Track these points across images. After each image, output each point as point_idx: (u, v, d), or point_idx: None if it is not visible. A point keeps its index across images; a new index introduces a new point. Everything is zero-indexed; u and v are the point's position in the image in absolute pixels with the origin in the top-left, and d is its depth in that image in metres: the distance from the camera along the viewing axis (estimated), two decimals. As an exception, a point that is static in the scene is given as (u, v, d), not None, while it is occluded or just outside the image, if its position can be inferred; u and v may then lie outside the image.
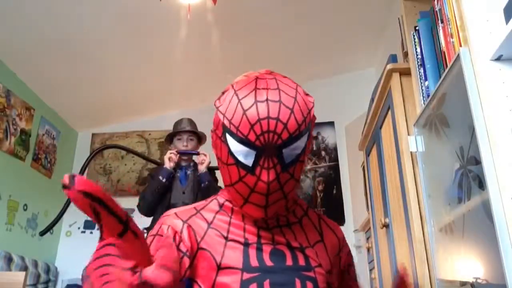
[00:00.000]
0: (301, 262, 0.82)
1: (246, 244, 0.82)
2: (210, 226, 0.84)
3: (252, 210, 0.81)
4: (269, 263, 0.80)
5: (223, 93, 0.83)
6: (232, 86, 0.82)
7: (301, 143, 0.79)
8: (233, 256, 0.80)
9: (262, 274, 0.78)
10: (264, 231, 0.85)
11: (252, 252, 0.81)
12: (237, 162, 0.79)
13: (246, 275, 0.77)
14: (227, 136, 0.79)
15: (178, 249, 0.78)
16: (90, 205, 0.55)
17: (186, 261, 0.79)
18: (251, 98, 0.76)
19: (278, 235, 0.85)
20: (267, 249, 0.82)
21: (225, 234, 0.83)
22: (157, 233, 0.82)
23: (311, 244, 0.88)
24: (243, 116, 0.76)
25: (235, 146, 0.78)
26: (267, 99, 0.75)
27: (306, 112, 0.79)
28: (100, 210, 0.56)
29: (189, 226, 0.83)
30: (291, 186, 0.81)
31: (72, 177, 0.55)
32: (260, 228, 0.85)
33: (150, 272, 0.60)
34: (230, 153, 0.79)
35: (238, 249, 0.81)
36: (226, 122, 0.79)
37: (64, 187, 0.54)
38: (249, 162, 0.77)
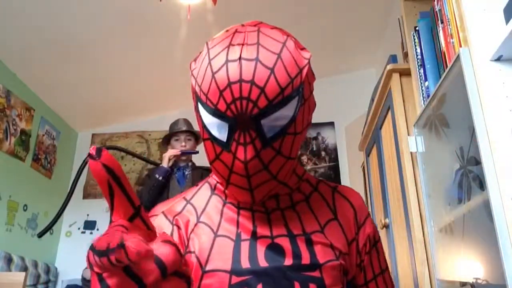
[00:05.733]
0: (305, 259, 0.68)
1: (238, 239, 0.69)
2: (199, 220, 0.73)
3: (237, 193, 0.69)
4: (263, 263, 0.67)
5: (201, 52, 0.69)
6: (207, 44, 0.67)
7: (287, 111, 0.63)
8: (221, 256, 0.68)
9: (254, 277, 0.66)
10: (261, 217, 0.71)
11: (245, 249, 0.68)
12: (211, 137, 0.65)
13: (235, 279, 0.65)
14: (199, 106, 0.66)
15: None
16: (108, 181, 0.51)
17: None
18: (223, 57, 0.62)
19: (277, 222, 0.71)
20: (263, 244, 0.68)
21: (215, 228, 0.71)
22: None
23: (322, 225, 0.73)
24: (212, 80, 0.61)
25: (207, 117, 0.65)
26: (240, 58, 0.61)
27: (294, 71, 0.63)
28: (115, 189, 0.51)
29: (179, 228, 0.72)
30: (279, 165, 0.66)
31: (99, 150, 0.51)
32: (256, 212, 0.71)
33: (155, 246, 0.52)
34: (204, 126, 0.66)
35: (228, 246, 0.69)
36: (197, 89, 0.65)
37: (90, 157, 0.50)
38: (223, 136, 0.64)
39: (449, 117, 1.32)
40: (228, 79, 0.60)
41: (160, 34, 3.27)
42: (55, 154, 4.20)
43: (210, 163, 0.69)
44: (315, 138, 4.24)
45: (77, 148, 4.60)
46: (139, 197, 2.49)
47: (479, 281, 1.12)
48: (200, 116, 0.67)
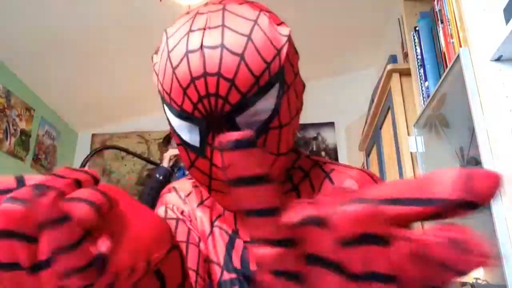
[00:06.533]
0: None
1: (233, 233, 0.61)
2: (199, 205, 0.66)
3: (221, 199, 0.59)
4: (253, 266, 0.58)
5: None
6: (166, 32, 0.57)
7: (266, 103, 0.52)
8: (215, 249, 0.61)
9: (244, 278, 0.58)
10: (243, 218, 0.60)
11: (238, 246, 0.60)
12: (183, 142, 0.56)
13: (226, 275, 0.59)
14: (165, 107, 0.56)
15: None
16: None
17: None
18: (182, 48, 0.51)
19: None
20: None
21: (212, 217, 0.64)
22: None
23: None
24: (172, 77, 0.51)
25: (174, 120, 0.55)
26: (201, 46, 0.50)
27: (271, 54, 0.51)
28: None
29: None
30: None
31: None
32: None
33: None
34: (174, 130, 0.57)
35: (223, 239, 0.61)
36: (160, 88, 0.54)
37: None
38: (195, 141, 0.54)
39: (449, 117, 1.32)
40: (191, 74, 0.49)
41: (160, 34, 3.27)
42: (55, 154, 4.20)
43: (187, 170, 0.60)
44: (315, 138, 4.24)
45: (77, 148, 4.60)
46: (139, 197, 2.50)
47: (479, 281, 1.12)
48: (168, 119, 0.57)
